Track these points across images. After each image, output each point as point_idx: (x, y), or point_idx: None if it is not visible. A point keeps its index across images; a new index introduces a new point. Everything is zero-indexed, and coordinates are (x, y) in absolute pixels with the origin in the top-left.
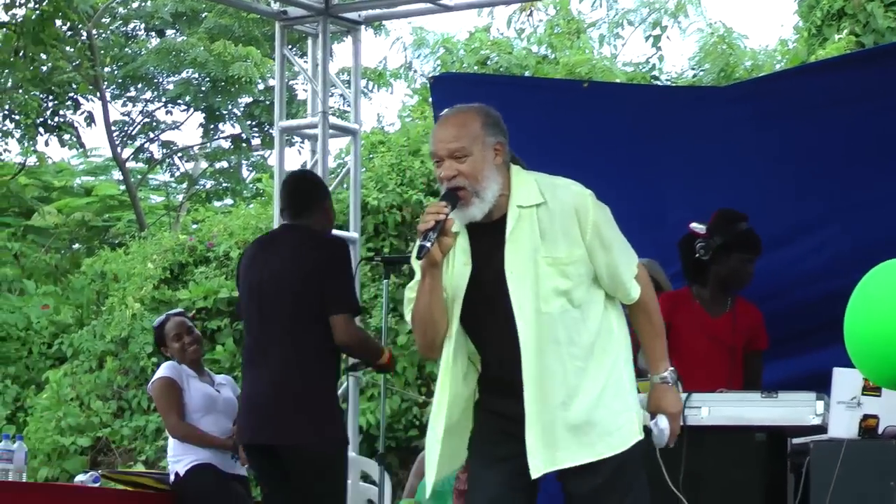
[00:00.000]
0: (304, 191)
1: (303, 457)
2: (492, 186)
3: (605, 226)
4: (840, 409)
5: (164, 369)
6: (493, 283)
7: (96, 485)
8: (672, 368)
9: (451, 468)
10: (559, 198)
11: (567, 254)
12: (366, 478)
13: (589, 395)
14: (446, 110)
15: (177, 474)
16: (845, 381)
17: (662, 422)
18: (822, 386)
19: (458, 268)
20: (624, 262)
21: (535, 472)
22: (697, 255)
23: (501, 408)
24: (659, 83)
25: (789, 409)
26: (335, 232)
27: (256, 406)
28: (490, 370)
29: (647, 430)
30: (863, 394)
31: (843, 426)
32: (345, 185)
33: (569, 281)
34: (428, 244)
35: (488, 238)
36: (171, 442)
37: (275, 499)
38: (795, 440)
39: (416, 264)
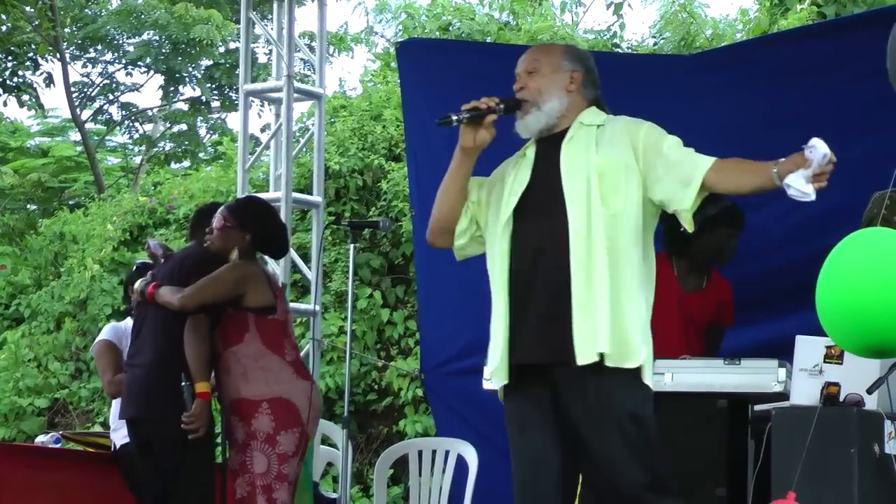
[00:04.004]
0: (194, 220)
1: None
2: (552, 101)
3: (660, 137)
4: (802, 377)
5: (106, 332)
6: (550, 182)
7: (57, 445)
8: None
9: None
10: (616, 121)
11: (612, 158)
12: (325, 440)
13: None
14: None
15: (114, 446)
16: (808, 348)
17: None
18: (785, 353)
19: (520, 173)
20: (687, 159)
21: (582, 358)
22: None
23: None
24: (620, 51)
25: (752, 375)
26: (298, 196)
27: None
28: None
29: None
30: (825, 361)
31: (805, 393)
32: (307, 150)
33: (613, 187)
34: (453, 116)
35: (551, 147)
36: (113, 407)
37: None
38: (757, 407)
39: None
